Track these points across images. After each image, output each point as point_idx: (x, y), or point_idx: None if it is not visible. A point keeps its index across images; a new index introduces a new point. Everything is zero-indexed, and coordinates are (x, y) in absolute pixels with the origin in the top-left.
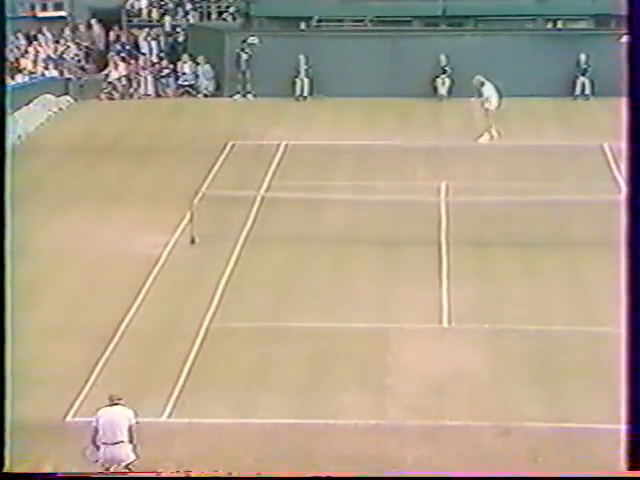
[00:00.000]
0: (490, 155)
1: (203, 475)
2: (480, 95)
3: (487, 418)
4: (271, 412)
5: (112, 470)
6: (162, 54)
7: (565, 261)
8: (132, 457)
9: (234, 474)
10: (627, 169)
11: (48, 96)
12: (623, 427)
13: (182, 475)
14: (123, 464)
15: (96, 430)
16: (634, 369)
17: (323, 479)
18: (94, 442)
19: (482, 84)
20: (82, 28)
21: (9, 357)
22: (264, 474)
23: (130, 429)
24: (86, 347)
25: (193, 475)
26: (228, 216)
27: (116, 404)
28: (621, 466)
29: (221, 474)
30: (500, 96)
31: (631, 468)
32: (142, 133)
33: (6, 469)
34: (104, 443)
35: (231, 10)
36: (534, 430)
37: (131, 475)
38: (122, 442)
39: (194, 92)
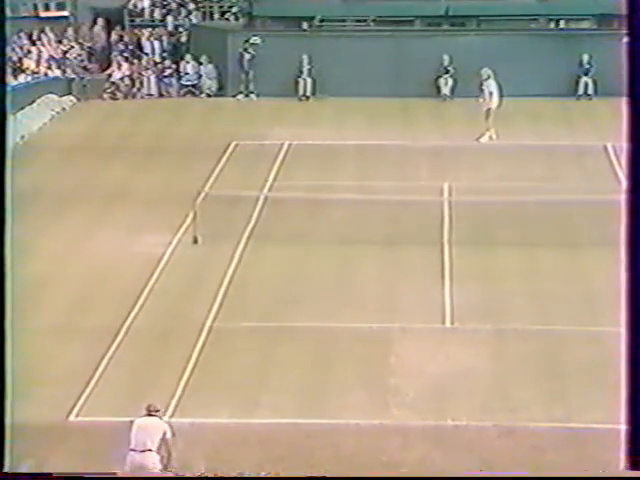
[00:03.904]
0: (493, 155)
1: (204, 475)
2: (482, 89)
3: (489, 418)
4: (273, 412)
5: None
6: (165, 54)
7: (568, 261)
8: (159, 467)
9: (235, 474)
10: (627, 169)
11: (51, 96)
12: (623, 427)
13: (183, 475)
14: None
15: (131, 439)
16: (634, 369)
17: (325, 479)
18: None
19: (488, 77)
20: (85, 28)
21: (11, 356)
22: (266, 474)
23: (165, 441)
24: (89, 346)
25: (194, 475)
26: (231, 216)
27: (152, 415)
28: (621, 466)
29: (222, 474)
30: (501, 95)
31: (631, 468)
32: (145, 133)
33: (6, 469)
34: (132, 450)
35: (234, 10)
36: (536, 430)
37: (129, 476)
38: (150, 451)
39: (197, 92)
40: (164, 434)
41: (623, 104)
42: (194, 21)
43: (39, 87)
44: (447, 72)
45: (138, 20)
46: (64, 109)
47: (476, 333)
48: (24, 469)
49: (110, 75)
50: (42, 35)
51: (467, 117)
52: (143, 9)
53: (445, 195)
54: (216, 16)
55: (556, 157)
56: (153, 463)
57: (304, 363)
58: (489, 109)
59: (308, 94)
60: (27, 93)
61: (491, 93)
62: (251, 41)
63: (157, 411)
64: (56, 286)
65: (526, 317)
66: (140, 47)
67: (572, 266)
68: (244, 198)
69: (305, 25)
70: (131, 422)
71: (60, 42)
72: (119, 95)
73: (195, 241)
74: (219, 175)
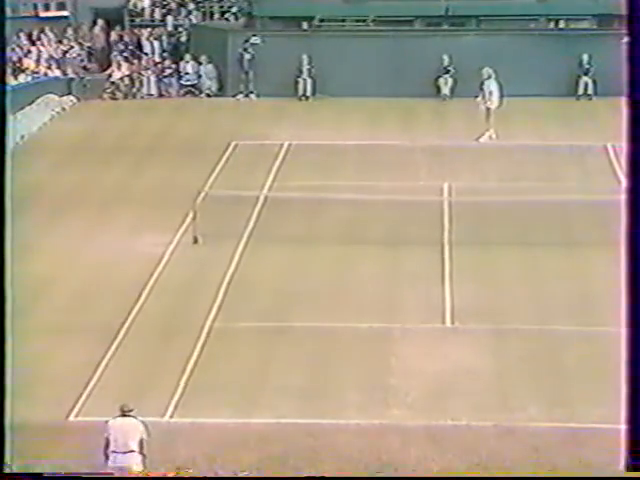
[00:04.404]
0: (493, 155)
1: (204, 475)
2: (482, 89)
3: (489, 418)
4: (273, 412)
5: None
6: (165, 54)
7: (568, 261)
8: (141, 468)
9: (235, 474)
10: (627, 169)
11: (51, 96)
12: (623, 427)
13: (183, 475)
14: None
15: (108, 441)
16: (634, 369)
17: (325, 479)
18: (106, 454)
19: (489, 77)
20: (85, 28)
21: (11, 356)
22: (266, 474)
23: (141, 442)
24: (89, 346)
25: (194, 475)
26: (231, 216)
27: (127, 415)
28: (621, 466)
29: (223, 474)
30: (501, 95)
31: (631, 468)
32: (145, 133)
33: (6, 469)
34: (114, 452)
35: (234, 10)
36: (536, 430)
37: (128, 476)
38: (133, 452)
39: (197, 92)
40: (141, 433)
41: (623, 104)
42: (194, 21)
43: (39, 87)
44: (447, 72)
45: (138, 20)
46: (64, 109)
47: (476, 333)
48: None
49: (110, 75)
50: (42, 35)
51: (467, 117)
52: (143, 9)
53: (445, 195)
54: (216, 16)
55: (556, 157)
56: (136, 464)
57: (304, 363)
58: (489, 109)
59: (308, 94)
60: (27, 93)
61: (491, 92)
62: (251, 41)
63: (131, 410)
64: (56, 286)
65: (526, 317)
66: (140, 47)
67: (572, 266)
68: (244, 198)
69: (305, 25)
70: (105, 422)
71: (60, 42)
72: (119, 95)
73: (195, 241)
74: (219, 175)
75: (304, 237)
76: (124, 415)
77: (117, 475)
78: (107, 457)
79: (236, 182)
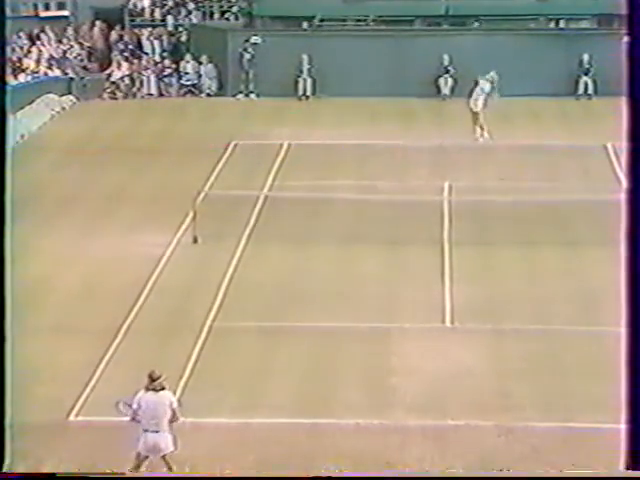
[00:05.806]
0: (493, 155)
1: (204, 475)
2: (480, 84)
3: (489, 418)
4: (273, 412)
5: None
6: (165, 53)
7: (568, 261)
8: (171, 448)
9: (235, 474)
10: (627, 169)
11: (51, 96)
12: (623, 427)
13: (183, 475)
14: (161, 454)
15: (135, 412)
16: (634, 369)
17: (325, 479)
18: (134, 419)
19: (492, 84)
20: (85, 28)
21: (11, 357)
22: (266, 474)
23: (174, 413)
24: (89, 346)
25: (194, 475)
26: (231, 216)
27: (155, 382)
28: (621, 466)
29: (222, 474)
30: (486, 98)
31: (631, 468)
32: (145, 133)
33: (6, 469)
34: (145, 430)
35: (234, 9)
36: (536, 430)
37: (130, 475)
38: (164, 431)
39: (197, 92)
40: (171, 405)
41: (623, 104)
42: (194, 21)
43: (39, 87)
44: (447, 72)
45: (138, 20)
46: (64, 109)
47: (476, 333)
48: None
49: (110, 75)
50: (42, 35)
51: (467, 117)
52: (143, 9)
53: (445, 195)
54: (216, 16)
55: (556, 157)
56: (166, 444)
57: (304, 363)
58: (472, 111)
59: (308, 94)
60: (27, 93)
61: (482, 91)
62: (251, 41)
63: (159, 377)
64: (56, 285)
65: (526, 317)
66: (140, 47)
67: (572, 266)
68: (244, 198)
69: (305, 25)
70: (135, 393)
71: (60, 42)
72: (119, 95)
73: (195, 241)
74: (219, 175)
75: (304, 237)
76: (153, 382)
77: (148, 454)
78: (136, 421)
79: (236, 182)
